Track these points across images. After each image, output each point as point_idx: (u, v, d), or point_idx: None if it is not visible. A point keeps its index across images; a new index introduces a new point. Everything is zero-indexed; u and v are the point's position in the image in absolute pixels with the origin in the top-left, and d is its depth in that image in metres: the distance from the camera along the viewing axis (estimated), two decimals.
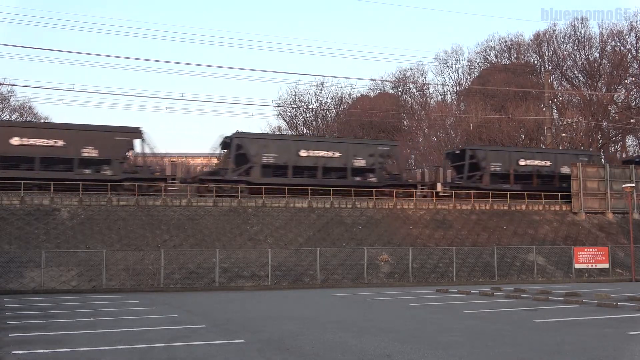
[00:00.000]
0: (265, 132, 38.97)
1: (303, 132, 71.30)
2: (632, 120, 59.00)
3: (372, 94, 73.46)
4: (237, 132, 37.72)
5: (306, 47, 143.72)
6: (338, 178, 37.68)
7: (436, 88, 71.76)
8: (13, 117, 58.85)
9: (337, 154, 37.91)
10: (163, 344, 11.24)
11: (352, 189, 36.60)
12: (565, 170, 41.88)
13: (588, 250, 34.32)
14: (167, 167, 36.39)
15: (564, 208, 40.30)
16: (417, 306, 18.66)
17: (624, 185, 36.06)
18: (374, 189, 37.39)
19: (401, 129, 67.60)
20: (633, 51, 62.85)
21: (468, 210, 38.22)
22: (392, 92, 73.47)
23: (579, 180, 39.96)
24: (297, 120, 72.07)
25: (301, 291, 26.81)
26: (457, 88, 71.51)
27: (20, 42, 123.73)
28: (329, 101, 71.72)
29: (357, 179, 38.12)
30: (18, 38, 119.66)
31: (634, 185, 36.50)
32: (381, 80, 74.36)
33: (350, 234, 33.89)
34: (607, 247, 34.93)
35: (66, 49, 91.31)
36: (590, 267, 33.81)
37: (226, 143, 38.20)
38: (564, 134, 60.77)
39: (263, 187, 35.32)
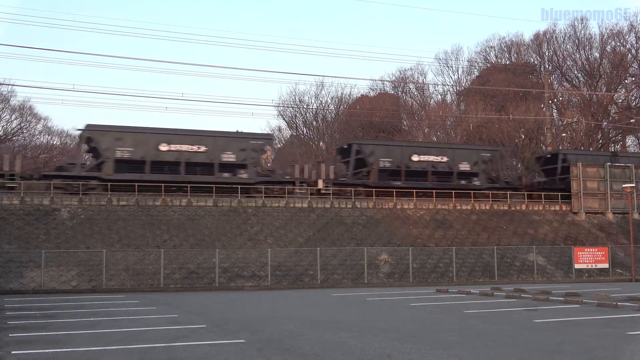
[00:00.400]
0: (121, 125, 36.22)
1: (303, 132, 71.29)
2: (632, 120, 59.00)
3: (372, 94, 73.46)
4: (87, 125, 35.11)
5: (306, 47, 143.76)
6: (203, 174, 35.48)
7: (436, 88, 71.82)
8: (13, 117, 58.85)
9: (202, 148, 35.57)
10: (163, 344, 11.24)
11: (214, 186, 34.40)
12: (464, 166, 40.68)
13: (588, 250, 34.32)
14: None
15: (564, 208, 40.32)
16: (417, 306, 18.66)
17: (624, 185, 36.08)
18: (239, 186, 35.20)
19: (401, 129, 67.60)
20: (633, 51, 62.85)
21: (468, 210, 38.23)
22: (392, 92, 73.45)
23: (578, 180, 39.98)
24: (297, 120, 72.11)
25: (301, 291, 26.82)
26: (457, 88, 71.53)
27: (20, 42, 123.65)
28: (329, 101, 71.75)
29: (226, 175, 35.96)
30: (18, 38, 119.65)
31: (634, 185, 36.52)
32: (381, 80, 74.43)
33: (350, 234, 33.90)
34: (607, 247, 34.93)
35: (66, 49, 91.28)
36: (590, 267, 33.81)
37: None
38: (564, 134, 60.77)
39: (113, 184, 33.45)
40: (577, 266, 33.49)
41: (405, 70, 72.34)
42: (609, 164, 41.59)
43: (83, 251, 28.39)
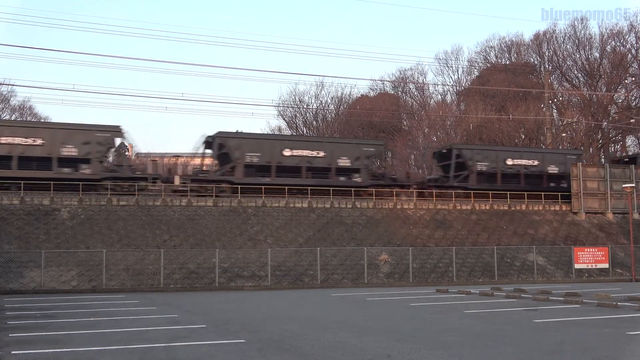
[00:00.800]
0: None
1: (303, 132, 71.29)
2: (632, 120, 59.00)
3: (372, 94, 73.47)
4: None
5: (306, 47, 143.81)
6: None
7: (436, 88, 71.83)
8: (13, 117, 58.85)
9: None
10: (163, 344, 11.24)
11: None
12: (343, 162, 38.20)
13: (588, 250, 34.32)
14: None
15: (564, 208, 40.31)
16: (417, 306, 18.65)
17: (624, 185, 36.08)
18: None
19: (401, 129, 67.60)
20: (633, 51, 62.85)
21: (468, 210, 38.23)
22: (392, 92, 73.46)
23: (579, 180, 39.98)
24: (297, 120, 72.09)
25: (301, 291, 26.81)
26: (457, 88, 71.54)
27: (20, 42, 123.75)
28: (329, 101, 71.77)
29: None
30: (18, 38, 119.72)
31: (634, 185, 36.52)
32: (381, 80, 74.44)
33: (350, 234, 33.89)
34: (607, 247, 34.92)
35: (66, 49, 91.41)
36: (590, 267, 33.81)
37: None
38: (564, 134, 60.77)
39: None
40: (577, 266, 33.49)
41: (405, 70, 72.46)
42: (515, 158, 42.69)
43: (83, 251, 28.39)
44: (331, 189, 36.71)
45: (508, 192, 39.44)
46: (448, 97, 72.21)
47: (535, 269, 33.16)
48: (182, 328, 13.61)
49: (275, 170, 36.79)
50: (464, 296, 22.25)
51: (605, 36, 62.42)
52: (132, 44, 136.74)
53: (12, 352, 10.49)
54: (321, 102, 71.30)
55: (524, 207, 39.64)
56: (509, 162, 41.37)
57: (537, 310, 16.92)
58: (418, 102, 71.24)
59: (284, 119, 72.43)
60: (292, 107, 71.11)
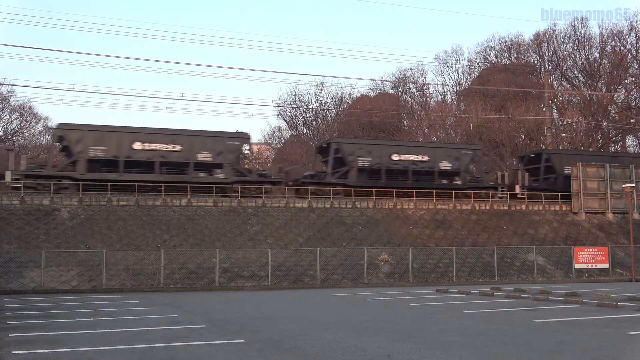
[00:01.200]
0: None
1: (303, 132, 71.29)
2: (632, 120, 59.00)
3: (372, 94, 73.44)
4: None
5: (306, 47, 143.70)
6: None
7: (436, 88, 71.82)
8: (13, 117, 58.89)
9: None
10: (163, 344, 11.24)
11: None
12: (204, 157, 35.77)
13: (588, 250, 34.32)
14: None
15: (564, 208, 40.31)
16: (417, 306, 18.66)
17: (624, 185, 36.08)
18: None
19: (401, 129, 67.59)
20: (633, 51, 62.86)
21: (468, 210, 38.22)
22: (392, 92, 73.44)
23: (579, 180, 39.97)
24: (297, 120, 72.07)
25: (301, 291, 26.81)
26: (457, 88, 71.53)
27: (20, 42, 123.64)
28: (329, 101, 71.71)
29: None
30: (18, 38, 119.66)
31: (634, 185, 36.51)
32: (381, 80, 74.42)
33: (350, 234, 33.90)
34: (607, 247, 34.92)
35: (66, 49, 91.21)
36: (590, 267, 33.81)
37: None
38: (564, 134, 60.77)
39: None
40: (577, 266, 33.49)
41: (405, 70, 72.43)
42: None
43: (83, 251, 28.39)
44: (189, 185, 34.28)
45: (394, 190, 37.22)
46: (448, 97, 72.28)
47: (535, 269, 33.16)
48: (182, 328, 13.62)
49: (124, 166, 34.29)
50: (464, 296, 22.26)
51: (605, 36, 62.48)
52: (132, 44, 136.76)
53: (12, 352, 10.50)
54: (321, 102, 71.31)
55: (524, 207, 39.63)
56: (395, 157, 39.16)
57: (537, 310, 16.92)
58: (418, 102, 71.24)
59: (284, 119, 72.47)
60: (292, 107, 71.13)
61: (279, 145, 73.27)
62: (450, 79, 71.72)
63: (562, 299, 19.71)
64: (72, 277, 26.99)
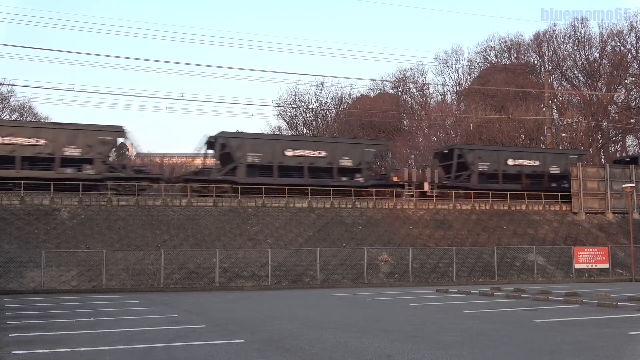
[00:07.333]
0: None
1: (303, 132, 71.32)
2: (632, 120, 58.97)
3: (372, 94, 73.45)
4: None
5: (306, 47, 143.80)
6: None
7: (436, 88, 71.82)
8: (13, 117, 58.86)
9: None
10: (163, 344, 11.24)
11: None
12: (71, 151, 33.96)
13: (588, 250, 34.32)
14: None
15: (564, 208, 40.30)
16: (417, 306, 18.65)
17: (624, 185, 36.06)
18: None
19: (401, 129, 67.59)
20: (633, 51, 62.86)
21: (468, 210, 38.22)
22: (392, 92, 73.44)
23: (579, 180, 39.97)
24: (297, 120, 72.05)
25: (301, 291, 26.81)
26: (457, 88, 71.53)
27: (20, 42, 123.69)
28: (329, 101, 71.74)
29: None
30: (18, 38, 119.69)
31: (634, 185, 36.48)
32: (381, 80, 74.42)
33: (350, 234, 33.89)
34: (607, 247, 34.92)
35: (66, 49, 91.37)
36: (590, 267, 33.81)
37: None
38: (564, 134, 60.76)
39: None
40: (577, 266, 33.49)
41: (405, 70, 72.43)
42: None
43: (83, 251, 28.38)
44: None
45: (286, 187, 35.92)
46: (448, 97, 72.27)
47: (535, 269, 33.15)
48: (182, 328, 13.61)
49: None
50: (464, 296, 22.25)
51: (605, 36, 62.48)
52: (132, 44, 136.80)
53: (12, 352, 10.49)
54: (321, 102, 71.33)
55: (524, 207, 39.64)
56: (289, 153, 37.48)
57: (537, 310, 16.92)
58: (418, 102, 71.23)
59: (284, 119, 72.46)
60: (292, 107, 71.13)
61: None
62: (450, 79, 71.80)
63: (562, 299, 19.71)
64: (72, 277, 26.98)
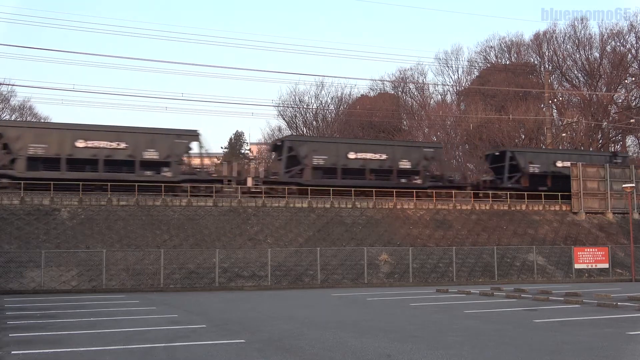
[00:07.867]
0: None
1: (303, 132, 71.33)
2: (632, 120, 58.98)
3: (372, 94, 73.43)
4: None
5: (306, 47, 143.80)
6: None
7: (436, 88, 71.81)
8: (13, 117, 58.85)
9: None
10: (163, 344, 11.24)
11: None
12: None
13: (588, 250, 34.32)
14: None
15: (564, 208, 40.30)
16: (417, 306, 18.65)
17: (624, 185, 36.06)
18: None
19: (401, 129, 67.58)
20: (633, 51, 62.86)
21: (468, 210, 38.22)
22: (392, 92, 73.43)
23: (579, 180, 39.96)
24: (297, 120, 72.05)
25: (301, 291, 26.81)
26: (457, 88, 71.52)
27: (20, 42, 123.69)
28: (329, 101, 71.72)
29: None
30: (18, 38, 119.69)
31: (634, 185, 36.48)
32: (381, 80, 74.40)
33: (350, 234, 33.89)
34: (607, 247, 34.92)
35: (66, 49, 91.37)
36: (590, 267, 33.81)
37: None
38: (564, 134, 60.77)
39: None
40: (577, 266, 33.49)
41: (405, 70, 72.39)
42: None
43: (83, 251, 28.38)
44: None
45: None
46: (448, 97, 72.25)
47: (535, 269, 33.15)
48: (182, 328, 13.61)
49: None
50: (464, 296, 22.25)
51: (605, 36, 62.48)
52: (132, 44, 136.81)
53: (12, 352, 10.49)
54: (321, 102, 71.31)
55: (524, 207, 39.63)
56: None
57: (537, 310, 16.92)
58: (418, 102, 71.22)
59: (284, 119, 72.45)
60: (292, 107, 71.11)
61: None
62: (450, 79, 71.78)
63: (562, 299, 19.70)
64: (72, 277, 26.98)
